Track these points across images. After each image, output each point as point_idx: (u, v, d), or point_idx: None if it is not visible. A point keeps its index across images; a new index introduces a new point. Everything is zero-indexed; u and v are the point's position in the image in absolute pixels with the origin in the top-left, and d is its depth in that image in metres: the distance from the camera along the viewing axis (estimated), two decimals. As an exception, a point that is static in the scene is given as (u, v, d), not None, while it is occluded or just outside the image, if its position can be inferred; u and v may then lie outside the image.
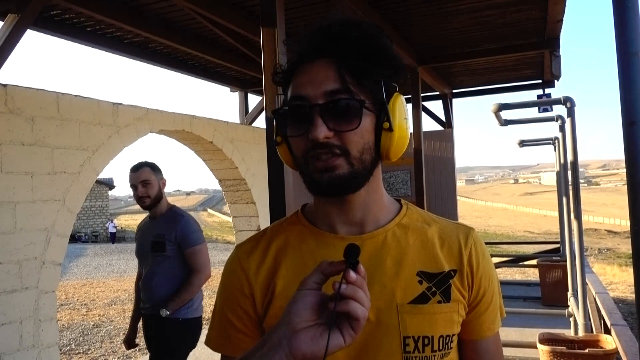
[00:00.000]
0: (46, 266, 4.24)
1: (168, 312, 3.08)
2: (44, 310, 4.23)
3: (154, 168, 3.27)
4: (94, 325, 8.92)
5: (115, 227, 32.97)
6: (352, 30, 0.90)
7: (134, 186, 3.21)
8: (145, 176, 3.19)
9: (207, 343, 1.01)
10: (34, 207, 4.21)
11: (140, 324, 3.47)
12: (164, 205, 3.30)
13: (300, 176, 0.93)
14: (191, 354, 3.30)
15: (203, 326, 3.35)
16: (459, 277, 0.95)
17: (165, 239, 3.17)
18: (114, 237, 31.53)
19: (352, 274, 0.73)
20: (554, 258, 8.02)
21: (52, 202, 4.34)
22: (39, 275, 4.20)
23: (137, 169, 3.22)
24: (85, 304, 10.92)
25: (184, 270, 3.21)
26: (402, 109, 0.93)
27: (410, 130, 0.95)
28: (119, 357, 6.80)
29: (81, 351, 7.22)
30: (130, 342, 3.48)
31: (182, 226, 3.19)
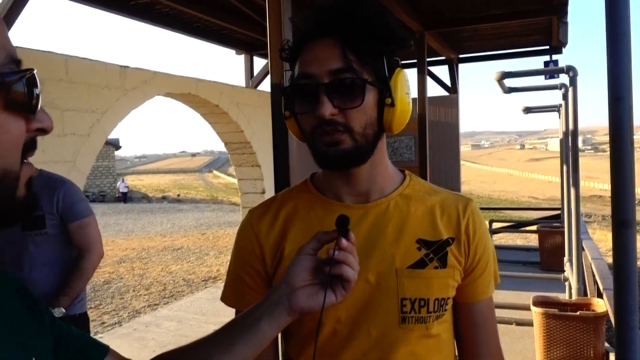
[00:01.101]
0: (58, 225, 4.39)
1: (64, 310, 2.42)
2: (57, 267, 4.40)
3: None
4: (104, 281, 9.18)
5: (127, 186, 32.59)
6: (355, 9, 0.94)
7: None
8: None
9: (222, 299, 1.11)
10: (46, 168, 4.31)
11: None
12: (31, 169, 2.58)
13: (309, 149, 0.99)
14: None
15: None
16: (456, 245, 1.02)
17: (45, 212, 2.48)
18: (126, 197, 31.31)
19: (344, 242, 0.83)
20: (554, 224, 8.14)
21: (62, 163, 4.45)
22: (52, 234, 4.36)
23: None
24: (94, 262, 11.21)
25: (68, 250, 2.57)
26: (404, 84, 0.98)
27: (411, 102, 1.01)
28: (129, 313, 7.05)
29: (93, 306, 7.48)
30: None
31: (65, 194, 2.52)
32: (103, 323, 6.61)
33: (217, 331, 0.86)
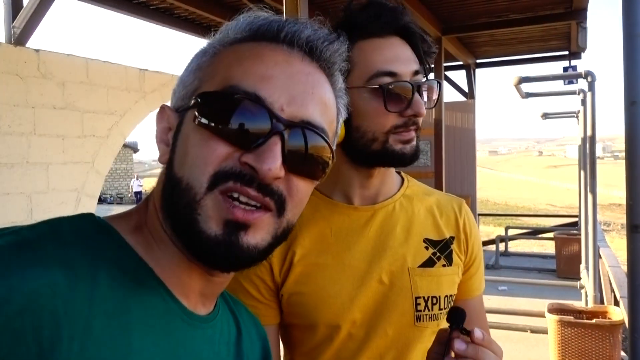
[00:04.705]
0: (76, 225, 4.46)
1: None
2: (74, 266, 4.47)
3: None
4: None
5: (141, 185, 30.30)
6: (408, 15, 0.99)
7: None
8: None
9: None
10: (65, 169, 4.40)
11: None
12: None
13: (364, 149, 0.97)
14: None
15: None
16: (456, 243, 1.06)
17: None
18: (140, 197, 28.99)
19: (459, 345, 0.69)
20: (571, 232, 8.05)
21: (82, 164, 4.53)
22: (70, 233, 4.43)
23: None
24: (111, 263, 11.33)
25: None
26: None
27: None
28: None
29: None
30: None
31: None
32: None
33: None
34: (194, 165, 0.56)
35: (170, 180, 0.59)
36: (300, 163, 0.59)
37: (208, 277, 0.63)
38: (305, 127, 0.59)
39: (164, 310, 0.59)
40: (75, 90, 4.45)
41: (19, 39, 4.22)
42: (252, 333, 0.76)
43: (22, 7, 4.30)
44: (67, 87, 4.39)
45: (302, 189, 0.61)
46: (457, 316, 0.71)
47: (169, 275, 0.60)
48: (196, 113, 0.58)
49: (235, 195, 0.55)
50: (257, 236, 0.57)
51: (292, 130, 0.58)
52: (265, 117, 0.56)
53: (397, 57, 0.95)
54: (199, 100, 0.59)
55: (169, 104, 0.67)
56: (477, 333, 0.68)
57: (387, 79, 0.94)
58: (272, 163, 0.55)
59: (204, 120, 0.57)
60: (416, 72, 0.96)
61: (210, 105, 0.58)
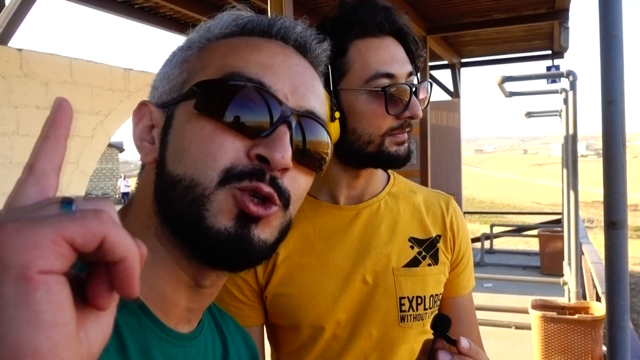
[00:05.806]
0: (61, 225, 4.42)
1: None
2: (59, 267, 4.43)
3: None
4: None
5: (128, 186, 28.70)
6: (402, 16, 0.99)
7: None
8: None
9: None
10: (49, 169, 4.37)
11: None
12: None
13: (359, 151, 0.96)
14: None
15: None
16: (443, 241, 1.05)
17: None
18: (127, 198, 27.05)
19: (444, 356, 0.64)
20: (555, 229, 8.15)
21: (66, 164, 4.40)
22: (55, 234, 4.39)
23: None
24: (96, 264, 11.23)
25: None
26: None
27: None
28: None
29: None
30: None
31: None
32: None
33: None
34: (198, 161, 0.53)
35: (166, 180, 0.55)
36: (304, 155, 0.58)
37: (197, 289, 0.58)
38: (311, 117, 0.58)
39: (137, 328, 0.54)
40: (58, 90, 4.41)
41: (1, 38, 4.17)
42: (240, 349, 0.72)
43: (4, 6, 4.25)
44: (51, 86, 4.35)
45: (303, 183, 0.59)
46: (442, 324, 0.66)
47: (149, 290, 0.55)
48: (195, 104, 0.54)
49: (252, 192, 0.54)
50: (266, 230, 0.56)
51: (297, 120, 0.56)
52: (272, 105, 0.55)
53: (393, 58, 0.94)
54: (197, 89, 0.55)
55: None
56: (464, 342, 0.64)
57: (385, 81, 0.93)
58: (285, 151, 0.53)
59: (204, 111, 0.54)
60: (410, 74, 0.95)
61: (211, 94, 0.54)
